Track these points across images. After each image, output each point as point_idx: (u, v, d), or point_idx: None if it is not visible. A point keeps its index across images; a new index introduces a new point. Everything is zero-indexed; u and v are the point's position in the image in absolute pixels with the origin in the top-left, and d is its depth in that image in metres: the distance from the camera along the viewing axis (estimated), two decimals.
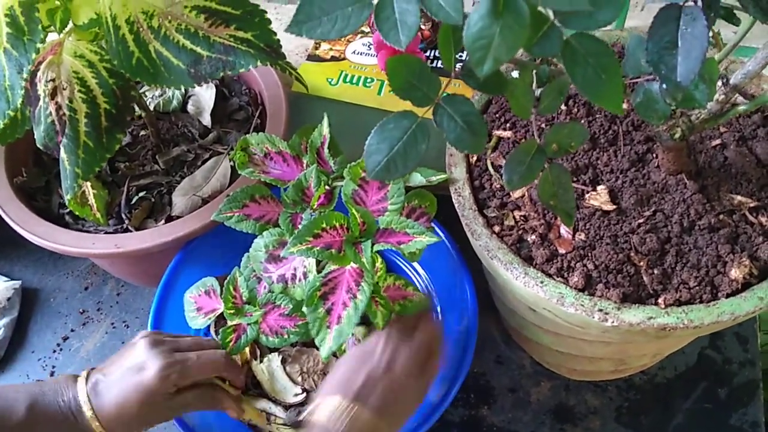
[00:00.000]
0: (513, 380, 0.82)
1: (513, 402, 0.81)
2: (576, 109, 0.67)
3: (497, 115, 0.69)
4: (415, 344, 0.60)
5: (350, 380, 0.57)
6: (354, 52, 0.97)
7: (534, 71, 0.50)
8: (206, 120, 0.86)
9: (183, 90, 0.88)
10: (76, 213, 0.71)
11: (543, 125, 0.68)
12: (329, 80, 0.94)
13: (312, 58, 0.98)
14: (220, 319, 0.69)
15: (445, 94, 0.43)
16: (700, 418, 0.78)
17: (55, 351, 0.89)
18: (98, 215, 0.71)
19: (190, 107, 0.88)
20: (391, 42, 0.37)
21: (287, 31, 0.39)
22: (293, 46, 0.99)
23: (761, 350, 1.05)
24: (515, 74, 0.61)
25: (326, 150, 0.65)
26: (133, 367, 0.60)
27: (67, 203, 0.66)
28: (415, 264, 0.78)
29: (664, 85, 0.41)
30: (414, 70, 0.42)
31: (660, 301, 0.56)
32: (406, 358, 0.59)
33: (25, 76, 0.58)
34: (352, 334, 0.65)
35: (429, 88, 0.42)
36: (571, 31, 0.37)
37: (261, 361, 0.73)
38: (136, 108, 0.82)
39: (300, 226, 0.61)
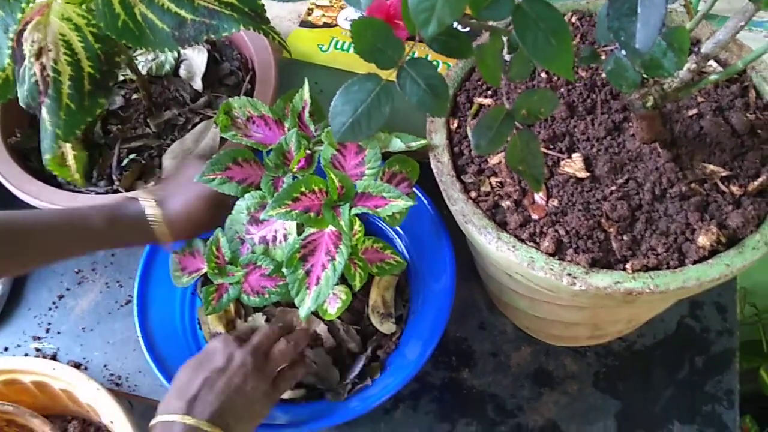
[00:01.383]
0: (494, 345, 0.84)
1: (494, 366, 0.83)
2: (556, 78, 0.68)
3: (479, 83, 0.70)
4: (250, 345, 0.64)
5: (186, 388, 0.61)
6: (346, 19, 0.98)
7: (505, 37, 0.50)
8: (198, 84, 0.87)
9: (175, 54, 0.89)
10: (55, 173, 0.72)
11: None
12: (320, 46, 0.95)
13: (304, 24, 0.98)
14: (207, 279, 0.71)
15: (409, 57, 0.44)
16: (677, 384, 0.80)
17: (50, 309, 0.91)
18: (77, 176, 0.73)
19: (182, 72, 0.89)
20: (352, 4, 0.38)
21: None
22: (286, 12, 1.00)
23: (744, 322, 1.07)
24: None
25: (307, 114, 0.66)
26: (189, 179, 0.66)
27: (45, 163, 0.68)
28: (398, 228, 0.79)
29: (623, 51, 0.42)
30: (379, 33, 0.42)
31: (628, 266, 0.57)
32: (241, 358, 0.62)
33: (11, 36, 0.60)
34: (333, 293, 0.67)
35: (393, 51, 0.43)
36: None
37: (245, 321, 0.75)
38: (129, 72, 0.83)
39: (280, 190, 0.62)
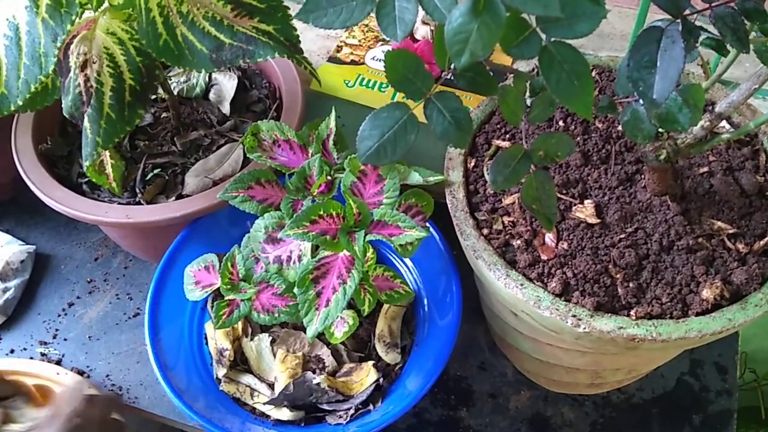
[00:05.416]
0: (494, 386, 0.84)
1: (492, 407, 0.83)
2: (573, 127, 0.70)
3: (498, 126, 0.72)
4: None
5: None
6: (373, 58, 1.01)
7: (528, 81, 0.53)
8: (225, 108, 0.90)
9: (206, 78, 0.92)
10: (94, 180, 0.75)
11: None
12: (346, 82, 0.99)
13: (333, 60, 1.02)
14: (218, 295, 0.73)
15: (437, 91, 0.46)
16: None
17: (60, 315, 0.92)
18: (114, 184, 0.76)
19: (211, 95, 0.92)
20: (389, 36, 0.41)
21: (296, 18, 0.42)
22: (316, 47, 1.03)
23: (744, 387, 1.07)
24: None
25: (331, 142, 0.69)
26: None
27: (85, 170, 0.70)
28: (408, 261, 0.81)
29: (641, 101, 0.44)
30: (410, 65, 0.45)
31: (632, 313, 0.58)
32: None
33: (58, 45, 0.63)
34: (340, 317, 0.68)
35: (422, 83, 0.45)
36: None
37: (251, 340, 0.76)
38: (161, 91, 0.86)
39: (299, 211, 0.64)
